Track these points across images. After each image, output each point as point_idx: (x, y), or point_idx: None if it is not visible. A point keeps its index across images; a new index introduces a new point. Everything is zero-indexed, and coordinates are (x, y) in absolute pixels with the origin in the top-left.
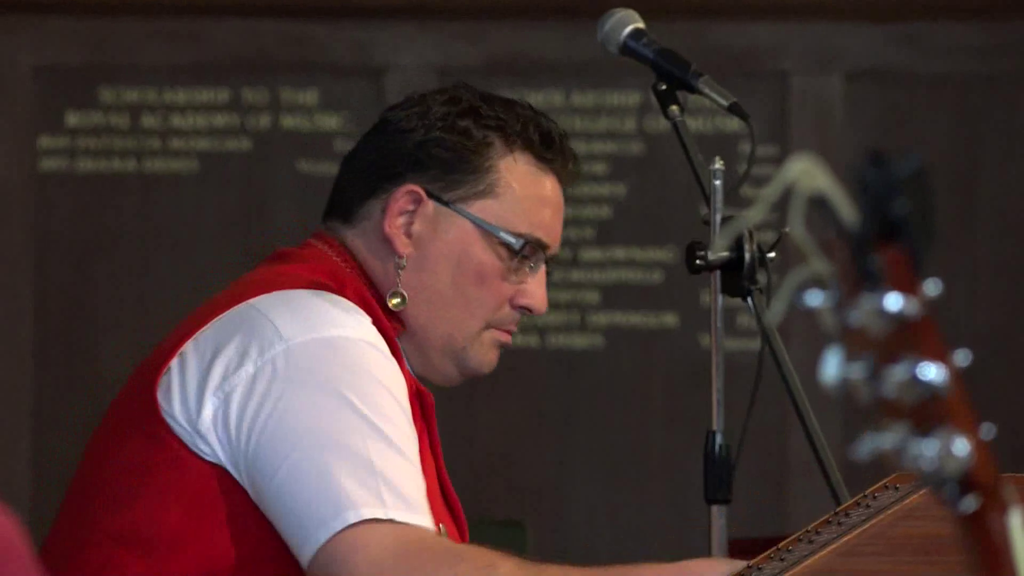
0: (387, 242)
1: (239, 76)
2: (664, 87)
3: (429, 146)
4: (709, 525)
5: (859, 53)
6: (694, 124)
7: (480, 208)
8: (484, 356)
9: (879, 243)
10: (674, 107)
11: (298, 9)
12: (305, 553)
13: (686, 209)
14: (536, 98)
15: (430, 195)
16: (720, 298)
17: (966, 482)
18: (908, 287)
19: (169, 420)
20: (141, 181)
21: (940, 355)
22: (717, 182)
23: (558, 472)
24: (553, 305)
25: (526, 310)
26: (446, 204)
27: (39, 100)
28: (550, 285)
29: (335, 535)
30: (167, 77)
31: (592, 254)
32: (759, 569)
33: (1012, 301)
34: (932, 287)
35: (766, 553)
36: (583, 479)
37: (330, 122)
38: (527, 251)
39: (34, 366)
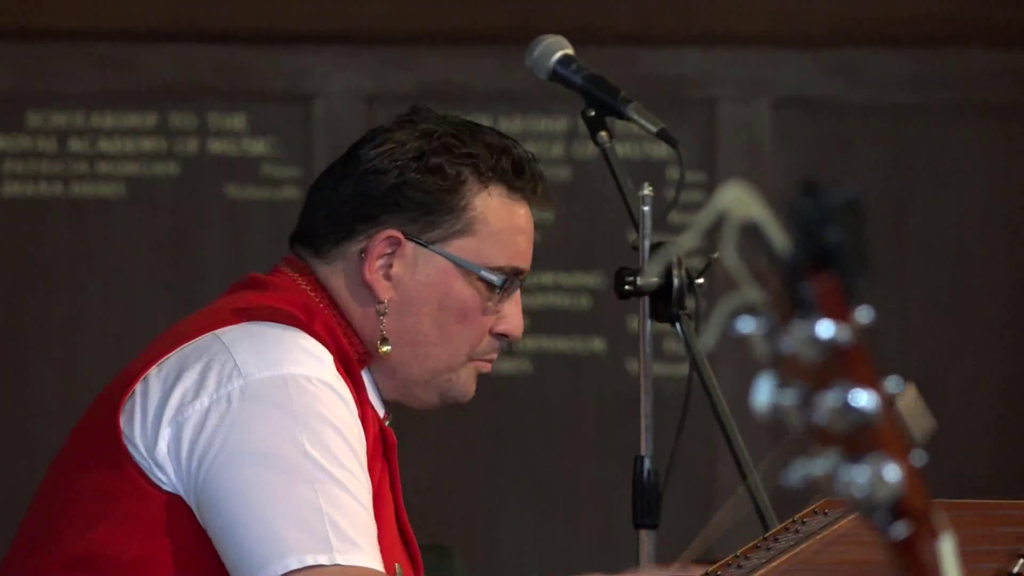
0: (367, 287)
1: (167, 101)
2: (593, 113)
3: (405, 188)
4: (638, 550)
5: (787, 81)
6: (622, 150)
7: (458, 247)
8: (465, 387)
9: (811, 271)
10: (603, 133)
11: (227, 35)
12: None
13: (614, 235)
14: None
15: (408, 237)
16: (649, 323)
17: (897, 508)
18: (840, 314)
19: (130, 447)
20: (69, 205)
21: (872, 382)
22: (646, 208)
23: (487, 497)
24: None
25: (504, 336)
26: (424, 245)
27: None
28: (523, 305)
29: None
30: (94, 101)
31: None
32: None
33: (944, 331)
34: (864, 314)
35: None
36: (512, 504)
37: (258, 147)
38: (506, 284)
39: None
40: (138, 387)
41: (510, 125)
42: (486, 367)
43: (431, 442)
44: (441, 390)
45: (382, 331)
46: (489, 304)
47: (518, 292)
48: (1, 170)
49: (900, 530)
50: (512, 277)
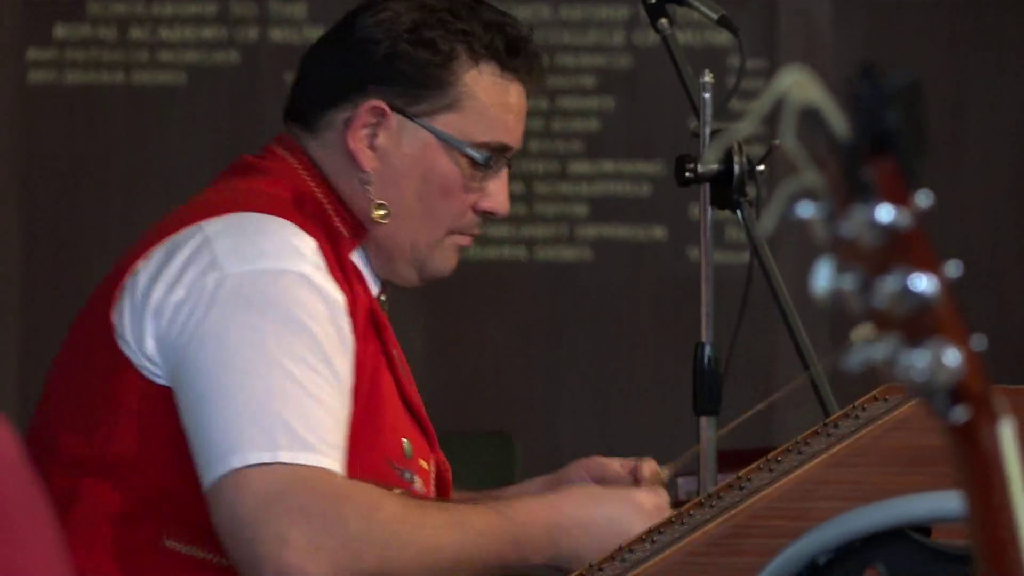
0: (351, 157)
1: None
2: (653, 0)
3: (395, 60)
4: (698, 436)
5: None
6: (683, 38)
7: (445, 122)
8: (445, 261)
9: (871, 155)
10: (663, 20)
11: None
12: (203, 489)
13: (675, 123)
14: (524, 12)
15: (394, 109)
16: (710, 211)
17: (957, 393)
18: (899, 198)
19: (121, 343)
20: (129, 94)
21: (931, 266)
22: (706, 95)
23: (546, 384)
24: (541, 218)
25: (489, 214)
26: (410, 118)
27: (27, 13)
28: (510, 183)
29: (221, 477)
30: None
31: (581, 167)
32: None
33: (1000, 217)
34: (923, 199)
35: (755, 464)
36: (571, 391)
37: (318, 35)
38: (491, 161)
39: (22, 281)
40: (127, 281)
41: (571, 13)
42: (466, 241)
43: (491, 330)
44: (420, 264)
45: (373, 198)
46: (473, 182)
47: (505, 170)
48: (62, 59)
49: (960, 415)
50: (497, 155)
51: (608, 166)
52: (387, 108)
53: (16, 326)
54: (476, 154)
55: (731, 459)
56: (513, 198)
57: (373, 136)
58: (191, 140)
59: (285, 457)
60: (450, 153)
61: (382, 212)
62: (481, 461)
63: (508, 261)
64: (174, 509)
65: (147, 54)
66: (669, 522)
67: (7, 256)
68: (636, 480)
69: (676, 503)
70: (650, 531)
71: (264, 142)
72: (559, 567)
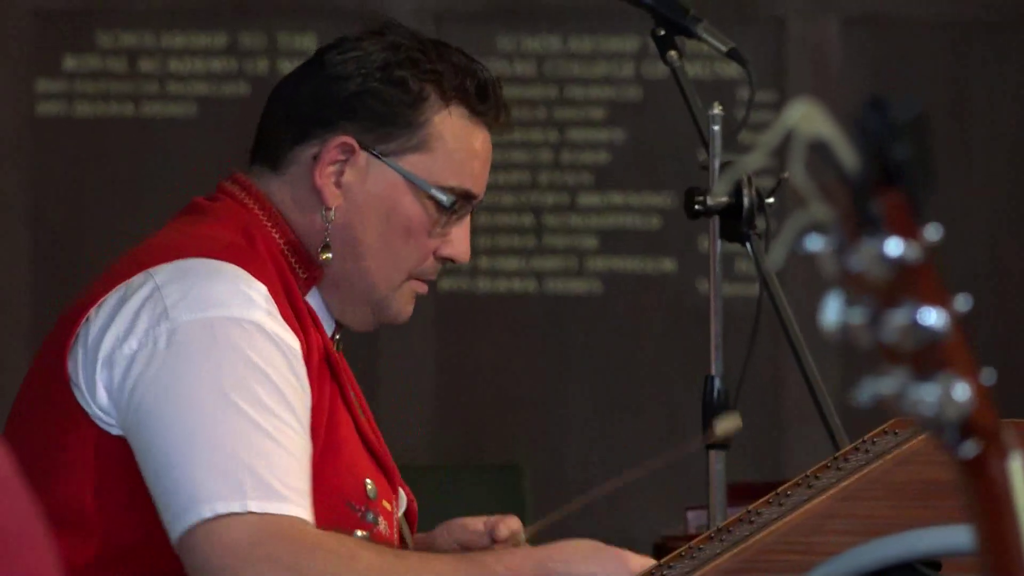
0: (316, 192)
1: (236, 20)
2: (662, 32)
3: (365, 97)
4: (708, 470)
5: None
6: (692, 70)
7: (412, 162)
8: (402, 307)
9: (879, 188)
10: (672, 52)
11: None
12: (171, 540)
13: (684, 154)
14: (534, 44)
15: (363, 146)
16: (719, 243)
17: (966, 427)
18: (908, 232)
19: (76, 391)
20: (139, 125)
21: (941, 300)
22: (716, 127)
23: (556, 416)
24: (551, 250)
25: (450, 260)
26: (378, 156)
27: (37, 44)
28: (473, 231)
29: (190, 528)
30: (164, 21)
31: (590, 199)
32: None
33: (1006, 243)
34: (932, 232)
35: (765, 498)
36: (581, 423)
37: None
38: (456, 205)
39: (31, 312)
40: (81, 329)
41: (580, 44)
42: (423, 288)
43: (500, 362)
44: (377, 308)
45: (326, 238)
46: (436, 226)
47: (468, 217)
48: (72, 90)
49: (969, 449)
50: (462, 200)
51: (617, 198)
52: (356, 145)
53: (26, 354)
54: (442, 196)
55: (741, 492)
56: (522, 230)
57: (340, 173)
58: (201, 172)
59: (255, 507)
60: (416, 194)
61: (328, 255)
62: (491, 493)
63: (518, 294)
64: (138, 564)
65: (157, 86)
66: (679, 556)
67: (17, 289)
68: (493, 539)
69: (687, 537)
70: (659, 565)
71: None
72: None
